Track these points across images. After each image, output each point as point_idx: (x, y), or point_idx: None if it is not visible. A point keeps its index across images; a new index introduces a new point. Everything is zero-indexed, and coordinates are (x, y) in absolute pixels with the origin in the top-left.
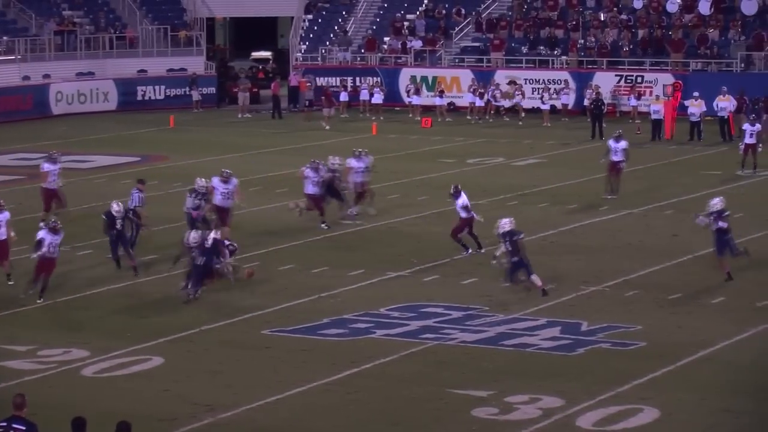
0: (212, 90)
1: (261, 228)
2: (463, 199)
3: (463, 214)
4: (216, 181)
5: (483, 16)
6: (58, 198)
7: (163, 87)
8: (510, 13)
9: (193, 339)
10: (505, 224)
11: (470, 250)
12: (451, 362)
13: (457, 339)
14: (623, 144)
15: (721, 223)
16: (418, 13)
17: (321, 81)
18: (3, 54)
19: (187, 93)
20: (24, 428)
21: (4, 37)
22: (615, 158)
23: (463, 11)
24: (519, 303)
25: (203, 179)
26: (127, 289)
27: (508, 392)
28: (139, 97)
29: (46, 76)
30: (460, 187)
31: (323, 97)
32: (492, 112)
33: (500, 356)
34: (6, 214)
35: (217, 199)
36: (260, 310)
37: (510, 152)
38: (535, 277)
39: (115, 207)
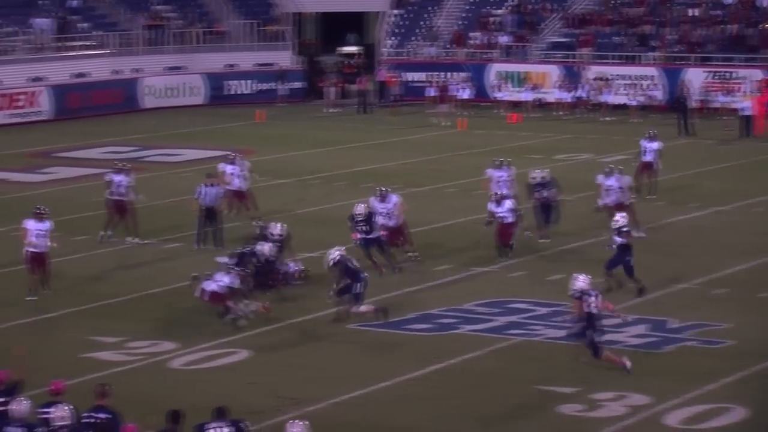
0: (300, 85)
1: (343, 224)
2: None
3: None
4: (373, 201)
5: (571, 11)
6: (244, 198)
7: (251, 81)
8: (599, 8)
9: (280, 332)
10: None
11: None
12: (536, 358)
13: (542, 335)
14: (656, 144)
15: (620, 239)
16: (506, 8)
17: (408, 76)
18: (94, 48)
19: (275, 87)
20: (108, 416)
21: (96, 32)
22: (647, 159)
23: (551, 6)
24: (606, 300)
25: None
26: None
27: (593, 389)
28: (228, 92)
29: (136, 70)
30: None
31: (440, 94)
32: (589, 107)
33: (586, 353)
34: (47, 224)
35: (380, 220)
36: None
37: (598, 148)
38: None
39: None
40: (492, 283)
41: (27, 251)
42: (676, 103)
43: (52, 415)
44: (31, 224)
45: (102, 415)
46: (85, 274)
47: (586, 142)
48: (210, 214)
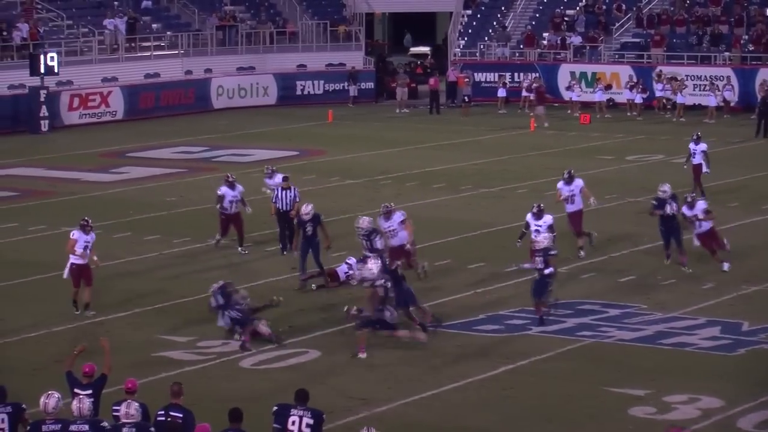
0: (371, 85)
1: (418, 223)
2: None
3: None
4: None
5: (644, 11)
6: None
7: (321, 82)
8: (672, 8)
9: (350, 333)
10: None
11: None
12: (607, 360)
13: (614, 337)
14: (703, 146)
15: (542, 264)
16: (578, 8)
17: (479, 77)
18: (166, 49)
19: (346, 88)
20: (181, 415)
21: (168, 32)
22: (696, 161)
23: (623, 6)
24: (678, 302)
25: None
26: (287, 282)
27: (665, 392)
28: (298, 92)
29: (208, 70)
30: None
31: (536, 95)
32: (667, 108)
33: (658, 355)
34: (92, 236)
35: (379, 244)
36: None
37: (670, 149)
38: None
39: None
40: (563, 285)
41: (72, 264)
42: (763, 106)
43: (120, 412)
44: (78, 235)
45: (176, 414)
46: (156, 274)
47: (658, 143)
48: (286, 218)
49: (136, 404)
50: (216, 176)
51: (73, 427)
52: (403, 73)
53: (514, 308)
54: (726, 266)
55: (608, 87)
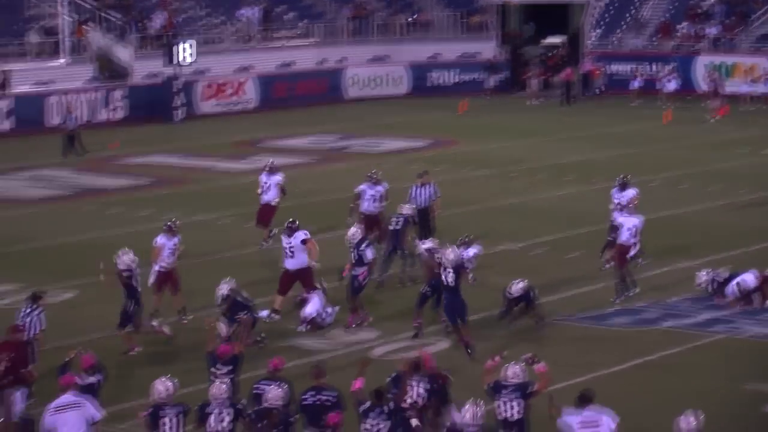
0: (504, 76)
1: (549, 216)
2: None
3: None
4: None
5: None
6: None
7: (454, 72)
8: None
9: (488, 324)
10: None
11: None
12: (742, 356)
13: (748, 333)
14: None
15: (450, 278)
16: None
17: (613, 68)
18: (300, 38)
19: (478, 79)
20: (333, 395)
21: (301, 22)
22: None
23: None
24: None
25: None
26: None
27: None
28: (431, 82)
29: (341, 60)
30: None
31: (712, 89)
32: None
33: None
34: (177, 239)
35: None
36: (547, 297)
37: None
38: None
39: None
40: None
41: (158, 270)
42: None
43: (267, 393)
44: (163, 240)
45: (327, 395)
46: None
47: None
48: (422, 216)
49: (282, 387)
50: (348, 167)
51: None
52: (536, 64)
53: (646, 302)
54: None
55: (752, 80)
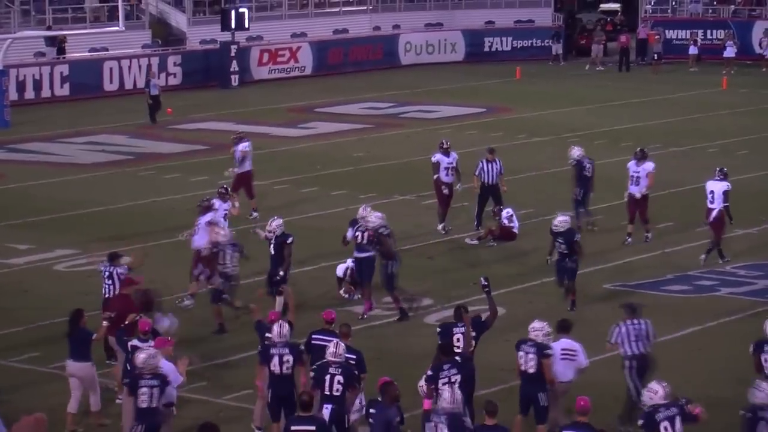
0: (561, 42)
1: (605, 182)
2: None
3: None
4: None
5: None
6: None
7: (509, 38)
8: None
9: (537, 291)
10: (564, 223)
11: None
12: None
13: None
14: None
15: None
16: None
17: (670, 34)
18: (355, 5)
19: (534, 45)
20: (354, 356)
21: None
22: None
23: None
24: None
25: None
26: (455, 242)
27: None
28: (486, 48)
29: (396, 26)
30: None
31: None
32: None
33: None
34: (229, 203)
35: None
36: (603, 264)
37: None
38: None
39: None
40: (754, 246)
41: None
42: None
43: (330, 349)
44: (217, 204)
45: (348, 355)
46: (343, 229)
47: None
48: (490, 192)
49: (340, 342)
50: (404, 133)
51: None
52: (599, 30)
53: (703, 269)
54: None
55: None
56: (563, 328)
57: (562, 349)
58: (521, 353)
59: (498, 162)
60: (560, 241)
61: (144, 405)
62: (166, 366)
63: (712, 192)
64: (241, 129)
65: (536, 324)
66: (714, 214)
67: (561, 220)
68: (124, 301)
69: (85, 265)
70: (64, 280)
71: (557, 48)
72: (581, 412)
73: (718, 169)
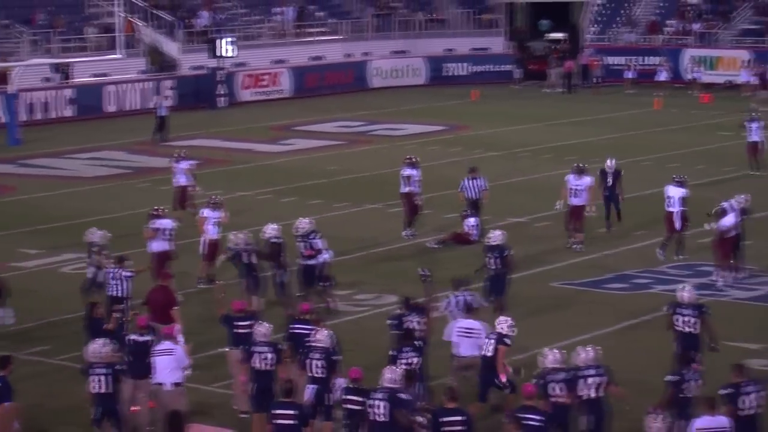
0: (510, 68)
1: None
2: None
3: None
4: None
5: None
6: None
7: (467, 64)
8: None
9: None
10: (496, 238)
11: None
12: (725, 317)
13: (730, 296)
14: (756, 124)
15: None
16: None
17: (609, 60)
18: (329, 34)
19: (495, 69)
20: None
21: (331, 20)
22: (753, 138)
23: None
24: None
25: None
26: (416, 246)
27: None
28: (446, 73)
29: (366, 53)
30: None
31: (760, 81)
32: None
33: None
34: (219, 212)
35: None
36: (551, 264)
37: None
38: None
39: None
40: (686, 248)
41: (205, 239)
42: None
43: (314, 336)
44: (207, 213)
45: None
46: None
47: None
48: (474, 206)
49: (326, 332)
50: (372, 149)
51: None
52: (554, 57)
53: (640, 269)
54: None
55: (760, 74)
56: (468, 310)
57: (463, 328)
58: (486, 340)
59: (480, 179)
60: (495, 255)
61: (95, 390)
62: (178, 350)
63: (670, 197)
64: (226, 146)
65: (501, 318)
66: (673, 216)
67: (495, 235)
68: (164, 293)
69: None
70: (69, 282)
71: (518, 72)
72: (528, 396)
73: (675, 176)
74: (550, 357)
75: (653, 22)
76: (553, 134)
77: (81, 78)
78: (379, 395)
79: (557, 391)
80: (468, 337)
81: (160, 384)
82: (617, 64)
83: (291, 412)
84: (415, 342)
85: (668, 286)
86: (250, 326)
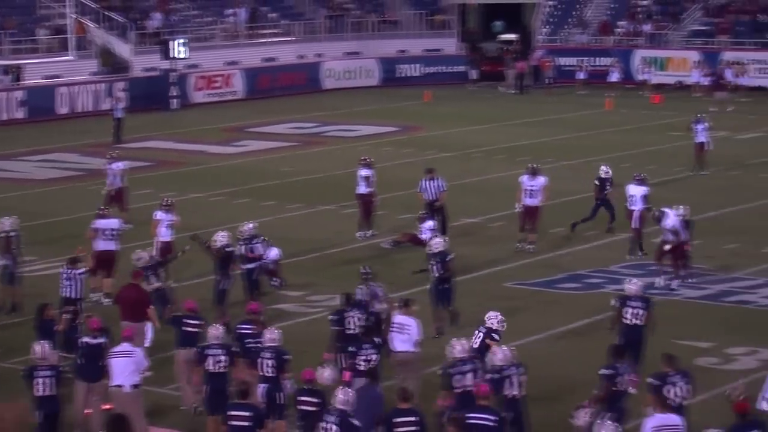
0: (462, 68)
1: (504, 192)
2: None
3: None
4: None
5: (711, 2)
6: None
7: (419, 65)
8: None
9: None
10: (438, 245)
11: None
12: (674, 316)
13: (681, 295)
14: (702, 126)
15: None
16: None
17: (560, 61)
18: (282, 36)
19: (447, 70)
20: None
21: (283, 21)
22: (699, 139)
23: None
24: (740, 264)
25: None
26: (370, 247)
27: (728, 344)
28: (399, 74)
29: (318, 55)
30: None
31: (715, 82)
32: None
33: (721, 311)
34: (172, 215)
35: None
36: (505, 265)
37: (735, 126)
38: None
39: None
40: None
41: (157, 241)
42: None
43: (265, 336)
44: (161, 215)
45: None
46: (272, 235)
47: (723, 121)
48: (431, 208)
49: (276, 332)
50: (326, 150)
51: None
52: (511, 58)
53: (592, 269)
54: None
55: (710, 75)
56: (404, 306)
57: (396, 323)
58: (475, 332)
59: (438, 180)
60: (436, 261)
61: (39, 393)
62: (137, 353)
63: (632, 195)
64: (179, 148)
65: (491, 313)
66: (635, 214)
67: (436, 242)
68: (136, 291)
69: (43, 270)
70: (25, 284)
71: (473, 73)
72: (482, 396)
73: (635, 174)
74: (458, 347)
75: (605, 23)
76: (506, 135)
77: (32, 80)
78: (332, 418)
79: (467, 381)
80: (400, 332)
81: (119, 386)
82: (569, 65)
83: (246, 413)
84: (375, 339)
85: (620, 285)
86: (199, 326)
